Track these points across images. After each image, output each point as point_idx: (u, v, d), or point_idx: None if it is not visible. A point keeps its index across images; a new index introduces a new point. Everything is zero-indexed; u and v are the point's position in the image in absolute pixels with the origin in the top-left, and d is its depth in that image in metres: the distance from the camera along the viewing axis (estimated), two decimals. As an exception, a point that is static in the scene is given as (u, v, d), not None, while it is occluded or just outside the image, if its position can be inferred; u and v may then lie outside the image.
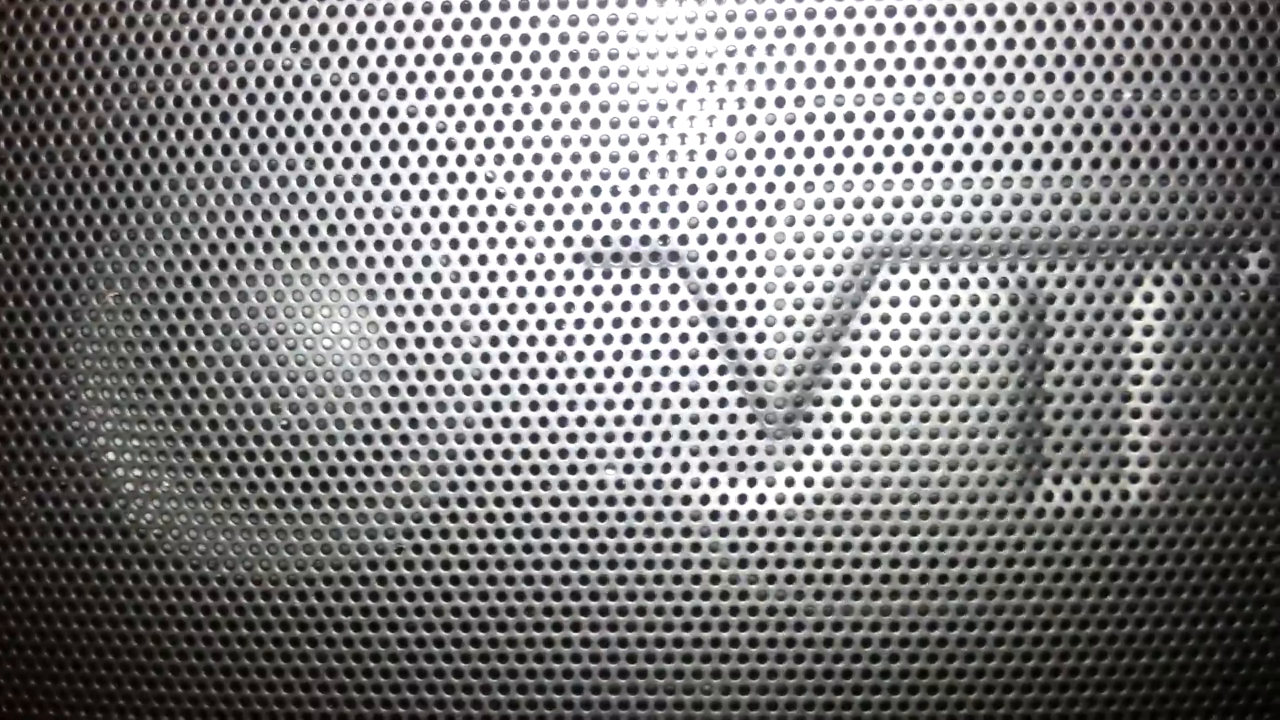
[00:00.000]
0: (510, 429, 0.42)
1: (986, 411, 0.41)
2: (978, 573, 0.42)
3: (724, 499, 0.42)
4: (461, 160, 0.41)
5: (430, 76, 0.41)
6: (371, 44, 0.41)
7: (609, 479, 0.42)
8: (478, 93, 0.40)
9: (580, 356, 0.41)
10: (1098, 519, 0.41)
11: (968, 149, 0.40)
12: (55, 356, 0.44)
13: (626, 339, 0.41)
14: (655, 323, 0.41)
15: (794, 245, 0.40)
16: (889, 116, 0.40)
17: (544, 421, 0.42)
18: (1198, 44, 0.39)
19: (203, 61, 0.41)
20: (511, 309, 0.41)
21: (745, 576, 0.42)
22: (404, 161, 0.41)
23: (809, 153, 0.40)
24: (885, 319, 0.41)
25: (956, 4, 0.39)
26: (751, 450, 0.42)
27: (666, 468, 0.42)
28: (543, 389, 0.42)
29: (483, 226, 0.41)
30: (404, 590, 0.43)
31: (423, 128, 0.41)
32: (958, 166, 0.40)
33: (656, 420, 0.41)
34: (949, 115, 0.40)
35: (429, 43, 0.40)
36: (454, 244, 0.41)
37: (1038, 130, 0.40)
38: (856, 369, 0.41)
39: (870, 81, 0.40)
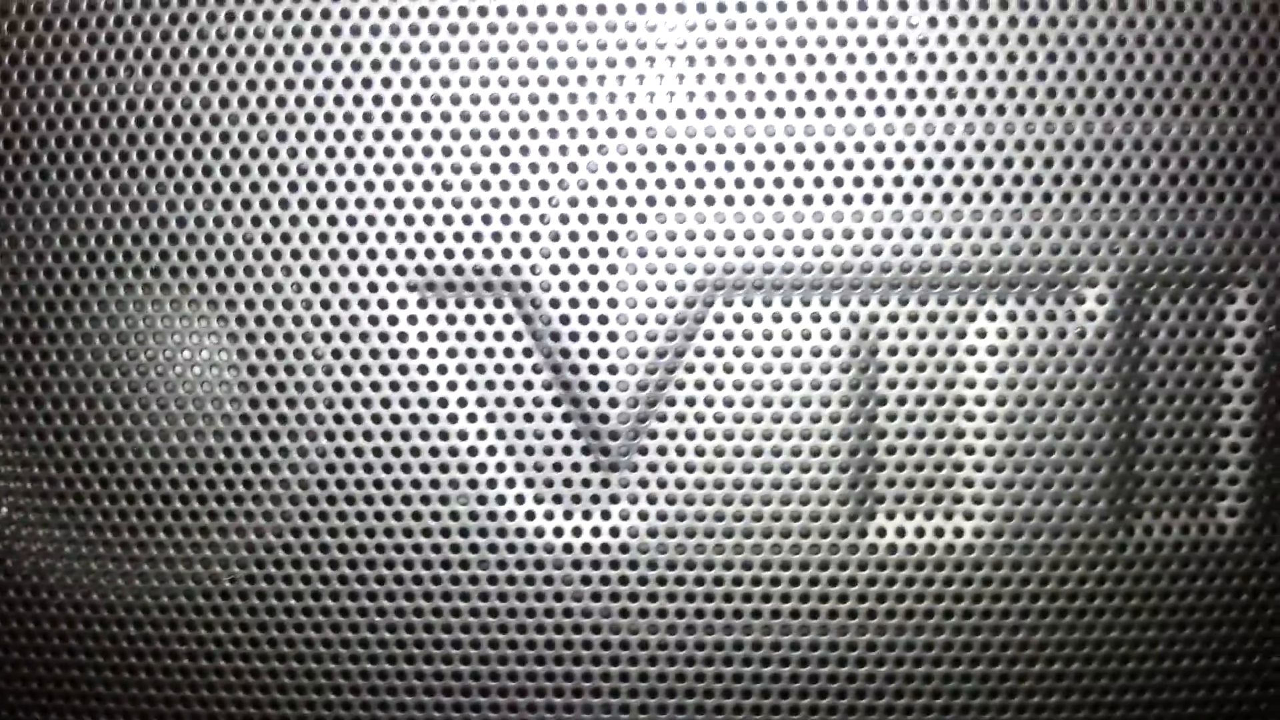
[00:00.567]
0: (361, 459, 0.42)
1: (819, 446, 0.41)
2: (810, 608, 0.41)
3: (559, 531, 0.42)
4: (313, 186, 0.41)
5: (281, 102, 0.41)
6: (223, 68, 0.41)
7: (458, 504, 0.42)
8: (329, 118, 0.40)
9: (433, 386, 0.41)
10: (930, 555, 0.41)
11: (799, 183, 0.40)
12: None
13: (478, 369, 0.41)
14: (499, 353, 0.41)
15: (632, 276, 0.40)
16: (719, 150, 0.40)
17: (396, 451, 0.42)
18: (1033, 76, 0.39)
19: (59, 84, 0.41)
20: (364, 337, 0.41)
21: (596, 610, 0.42)
22: (255, 187, 0.41)
23: (641, 184, 0.40)
24: (719, 352, 0.41)
25: (788, 38, 0.39)
26: (586, 483, 0.41)
27: (502, 500, 0.42)
28: (395, 419, 0.42)
29: (334, 254, 0.41)
30: (255, 621, 0.43)
31: (273, 153, 0.41)
32: (789, 200, 0.40)
33: (492, 451, 0.41)
34: (779, 148, 0.39)
35: (279, 67, 0.40)
36: (305, 271, 0.41)
37: (868, 164, 0.39)
38: (691, 402, 0.41)
39: (701, 114, 0.40)
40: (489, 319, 0.41)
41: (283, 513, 0.42)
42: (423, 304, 0.41)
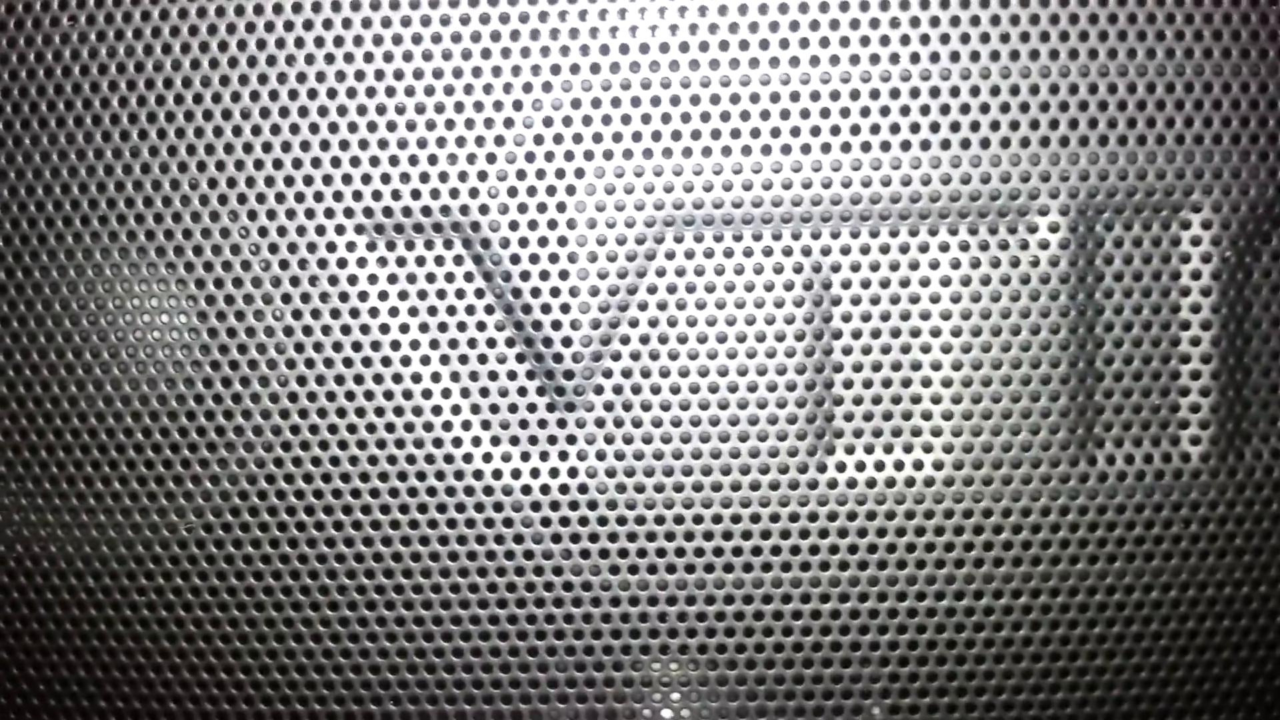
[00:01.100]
0: (314, 404, 0.42)
1: (775, 382, 0.41)
2: (771, 544, 0.41)
3: (516, 473, 0.42)
4: (256, 130, 0.41)
5: (223, 46, 0.40)
6: (164, 14, 0.40)
7: (414, 448, 0.41)
8: (272, 60, 0.40)
9: (385, 329, 0.41)
10: (890, 489, 0.41)
11: (747, 117, 0.39)
12: None
13: (430, 311, 0.41)
14: (451, 294, 0.41)
15: (584, 214, 0.40)
16: (681, 91, 0.39)
17: (350, 395, 0.42)
18: (984, 13, 0.39)
19: (13, 50, 0.41)
20: (313, 281, 0.41)
21: (556, 550, 0.42)
22: (199, 132, 0.41)
23: (605, 120, 0.40)
24: (673, 289, 0.40)
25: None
26: (543, 424, 0.41)
27: (458, 442, 0.41)
28: (348, 363, 0.41)
29: (280, 198, 0.41)
30: (214, 570, 0.43)
31: (216, 98, 0.40)
32: (736, 134, 0.39)
33: (447, 394, 0.41)
34: (730, 85, 0.39)
35: (220, 11, 0.40)
36: (251, 215, 0.41)
37: (816, 97, 0.39)
38: (646, 340, 0.41)
39: (658, 61, 0.39)
40: (439, 260, 0.41)
41: (238, 460, 0.42)
42: (371, 246, 0.41)
